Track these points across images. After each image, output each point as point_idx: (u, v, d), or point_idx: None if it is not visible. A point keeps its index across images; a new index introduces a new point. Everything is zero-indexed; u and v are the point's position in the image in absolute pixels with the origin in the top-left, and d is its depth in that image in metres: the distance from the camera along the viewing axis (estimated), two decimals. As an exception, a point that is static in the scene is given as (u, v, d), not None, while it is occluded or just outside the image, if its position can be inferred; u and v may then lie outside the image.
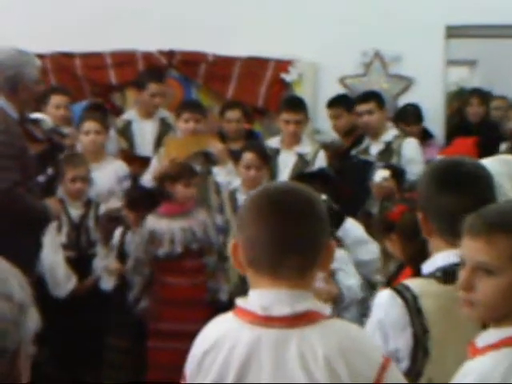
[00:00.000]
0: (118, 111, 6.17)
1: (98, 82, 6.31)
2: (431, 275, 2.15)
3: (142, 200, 4.78)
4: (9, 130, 3.96)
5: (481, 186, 2.16)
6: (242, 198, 4.78)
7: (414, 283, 2.16)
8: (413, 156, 5.29)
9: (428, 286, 2.13)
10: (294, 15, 6.16)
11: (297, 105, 5.44)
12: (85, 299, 4.74)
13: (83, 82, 6.29)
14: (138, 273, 4.59)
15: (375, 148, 5.40)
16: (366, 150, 5.44)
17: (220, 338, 1.76)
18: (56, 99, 5.48)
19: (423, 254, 3.00)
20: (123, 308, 4.63)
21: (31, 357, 1.35)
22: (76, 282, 4.76)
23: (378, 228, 3.50)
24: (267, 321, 1.71)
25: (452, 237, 2.07)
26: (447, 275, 2.10)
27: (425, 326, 2.06)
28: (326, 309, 1.81)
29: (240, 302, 1.79)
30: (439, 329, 2.06)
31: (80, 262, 4.86)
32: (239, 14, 6.18)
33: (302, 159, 5.31)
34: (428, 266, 2.20)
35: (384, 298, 2.14)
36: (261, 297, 1.74)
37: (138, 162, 5.52)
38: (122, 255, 4.80)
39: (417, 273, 2.81)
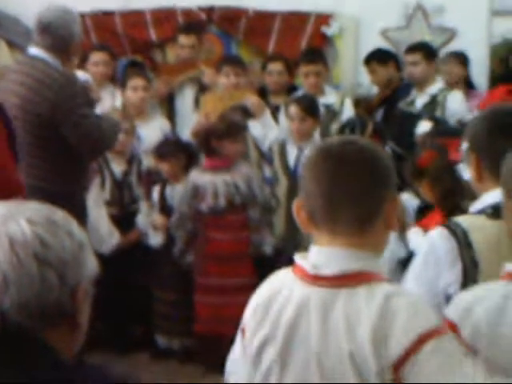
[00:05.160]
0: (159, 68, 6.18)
1: (138, 39, 6.30)
2: (481, 212, 2.18)
3: (170, 151, 4.80)
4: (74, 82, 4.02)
5: None
6: (290, 149, 4.84)
7: (463, 219, 2.19)
8: (457, 109, 5.22)
9: (478, 221, 2.16)
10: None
11: (314, 56, 5.47)
12: (130, 254, 4.80)
13: (123, 39, 6.29)
14: (181, 227, 4.63)
15: (421, 101, 5.34)
16: (412, 103, 5.39)
17: (273, 294, 1.77)
18: (96, 56, 5.52)
19: (452, 196, 3.21)
20: (169, 262, 4.69)
21: (91, 298, 1.44)
22: (119, 238, 4.81)
23: (409, 173, 3.53)
24: (316, 279, 1.71)
25: None
26: (498, 211, 2.11)
27: (475, 260, 2.09)
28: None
29: (298, 257, 1.78)
30: (489, 262, 2.08)
31: (123, 218, 4.90)
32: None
33: (329, 110, 5.29)
34: (477, 205, 2.22)
35: (435, 235, 2.16)
36: (317, 254, 1.75)
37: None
38: (164, 209, 4.84)
39: (447, 214, 3.02)
